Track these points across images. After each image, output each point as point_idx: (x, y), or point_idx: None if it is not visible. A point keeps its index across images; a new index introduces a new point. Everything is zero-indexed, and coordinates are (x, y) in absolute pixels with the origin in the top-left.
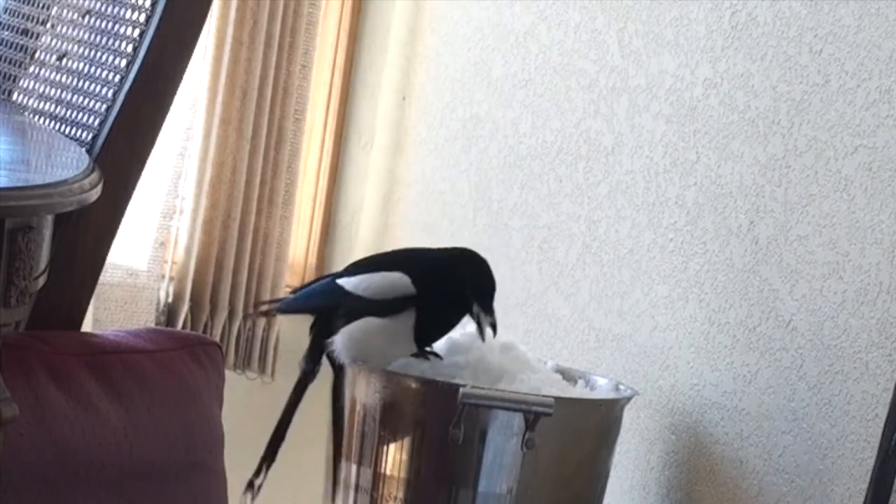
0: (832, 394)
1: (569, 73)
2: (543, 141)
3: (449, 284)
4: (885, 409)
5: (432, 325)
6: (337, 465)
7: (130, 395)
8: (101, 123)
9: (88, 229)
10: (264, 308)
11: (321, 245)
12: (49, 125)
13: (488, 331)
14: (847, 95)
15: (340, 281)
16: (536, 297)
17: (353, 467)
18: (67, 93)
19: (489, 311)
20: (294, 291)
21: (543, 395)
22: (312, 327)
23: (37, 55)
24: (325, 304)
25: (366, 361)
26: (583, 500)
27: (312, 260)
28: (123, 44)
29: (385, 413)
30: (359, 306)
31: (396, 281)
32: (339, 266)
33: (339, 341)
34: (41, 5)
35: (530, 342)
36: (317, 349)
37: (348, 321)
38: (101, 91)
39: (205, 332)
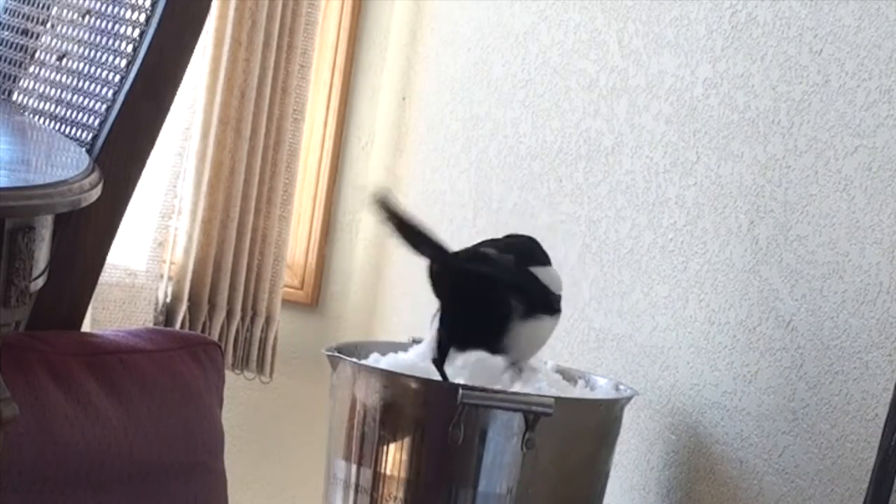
0: (832, 394)
1: (569, 73)
2: (543, 141)
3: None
4: (885, 409)
5: None
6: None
7: (130, 395)
8: (101, 123)
9: (88, 229)
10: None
11: (321, 245)
12: (49, 125)
13: None
14: (847, 95)
15: (534, 269)
16: None
17: (353, 467)
18: (67, 93)
19: None
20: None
21: (543, 395)
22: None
23: (37, 55)
24: (527, 290)
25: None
26: (583, 500)
27: (312, 260)
28: (123, 44)
29: (385, 413)
30: (542, 299)
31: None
32: (339, 266)
33: (523, 341)
34: (41, 5)
35: None
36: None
37: (525, 317)
38: (101, 91)
39: (203, 331)
